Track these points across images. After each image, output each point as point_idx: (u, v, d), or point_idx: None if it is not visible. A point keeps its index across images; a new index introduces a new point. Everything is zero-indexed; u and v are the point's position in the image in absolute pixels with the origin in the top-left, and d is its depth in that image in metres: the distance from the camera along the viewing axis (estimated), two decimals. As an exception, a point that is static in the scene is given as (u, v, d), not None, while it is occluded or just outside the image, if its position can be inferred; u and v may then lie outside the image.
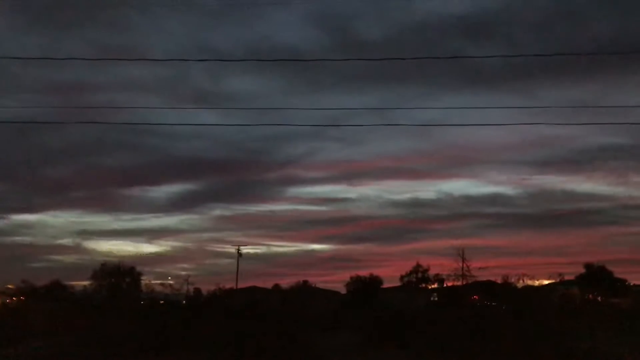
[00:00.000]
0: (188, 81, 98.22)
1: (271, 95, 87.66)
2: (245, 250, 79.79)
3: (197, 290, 52.59)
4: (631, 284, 74.50)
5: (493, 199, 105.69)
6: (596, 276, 68.86)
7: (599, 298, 61.41)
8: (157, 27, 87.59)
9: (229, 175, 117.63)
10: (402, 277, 70.88)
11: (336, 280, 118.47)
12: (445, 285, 62.22)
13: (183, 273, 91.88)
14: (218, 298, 46.66)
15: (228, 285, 61.85)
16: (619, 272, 73.68)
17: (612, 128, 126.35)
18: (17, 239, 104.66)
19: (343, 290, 72.18)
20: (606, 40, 69.51)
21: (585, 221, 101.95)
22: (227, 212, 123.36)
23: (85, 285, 54.67)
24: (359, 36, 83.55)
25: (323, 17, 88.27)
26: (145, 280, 54.55)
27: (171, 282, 43.40)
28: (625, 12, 71.59)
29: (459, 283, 55.32)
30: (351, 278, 69.60)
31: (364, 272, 71.57)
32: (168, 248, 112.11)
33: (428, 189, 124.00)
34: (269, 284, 75.61)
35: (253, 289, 69.34)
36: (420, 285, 68.76)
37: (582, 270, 70.73)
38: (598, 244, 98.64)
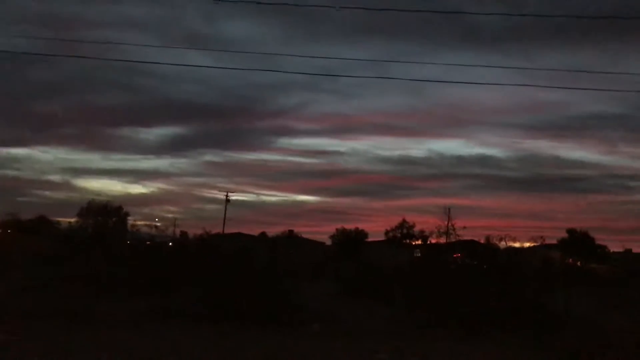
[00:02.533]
0: (183, 22, 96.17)
1: (267, 42, 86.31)
2: (233, 197, 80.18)
3: (184, 233, 53.01)
4: (611, 251, 76.06)
5: (483, 160, 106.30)
6: (578, 242, 70.03)
7: (579, 263, 62.63)
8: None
9: (221, 121, 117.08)
10: (386, 232, 71.88)
11: (322, 232, 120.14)
12: (428, 242, 63.02)
13: (170, 216, 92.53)
14: (205, 241, 46.99)
15: (214, 231, 62.33)
16: (600, 239, 75.19)
17: (607, 95, 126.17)
18: (5, 171, 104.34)
19: (329, 242, 73.17)
20: (610, 5, 68.38)
21: (572, 187, 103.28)
22: (217, 158, 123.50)
23: (70, 222, 54.84)
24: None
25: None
26: (131, 220, 54.74)
27: (158, 223, 43.55)
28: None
29: (442, 241, 55.97)
30: (337, 230, 70.43)
31: (350, 225, 72.43)
32: (156, 190, 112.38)
33: (419, 147, 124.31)
34: (255, 232, 76.38)
35: (239, 236, 70.05)
36: (404, 241, 69.75)
37: (565, 235, 71.98)
38: (582, 210, 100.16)
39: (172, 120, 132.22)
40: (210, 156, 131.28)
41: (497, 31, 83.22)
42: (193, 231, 54.49)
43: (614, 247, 78.00)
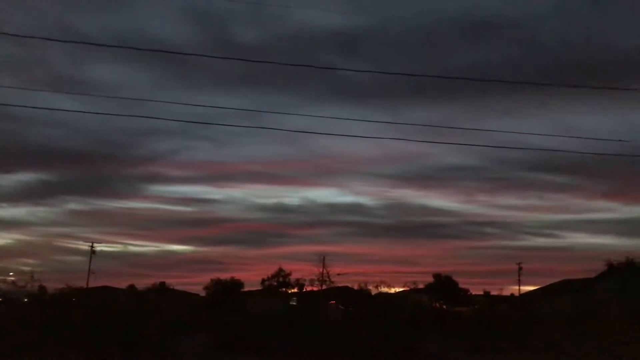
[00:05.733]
0: (49, 64, 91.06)
1: (139, 87, 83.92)
2: (99, 248, 75.42)
3: (42, 288, 48.71)
4: (472, 294, 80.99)
5: (355, 208, 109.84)
6: (443, 286, 73.90)
7: (444, 306, 65.83)
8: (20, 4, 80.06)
9: (87, 168, 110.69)
10: (263, 281, 71.03)
11: (196, 283, 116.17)
12: (304, 289, 63.23)
13: (27, 269, 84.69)
14: (65, 296, 43.44)
15: (78, 284, 57.84)
16: (463, 282, 79.94)
17: (465, 149, 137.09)
18: None
19: (202, 293, 70.65)
20: (467, 67, 75.20)
21: (436, 234, 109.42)
22: (82, 207, 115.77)
23: None
24: (233, 38, 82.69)
25: (198, 15, 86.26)
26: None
27: (13, 278, 39.49)
28: (484, 43, 77.99)
29: (318, 288, 56.45)
30: (211, 280, 68.31)
31: (225, 275, 70.66)
32: (12, 241, 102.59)
33: (293, 195, 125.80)
34: (123, 285, 71.87)
35: (106, 289, 65.61)
36: (280, 290, 69.28)
37: (432, 279, 75.71)
38: (446, 256, 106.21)
39: (32, 165, 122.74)
40: (74, 204, 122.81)
41: (367, 87, 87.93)
42: (53, 285, 50.29)
43: (475, 290, 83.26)
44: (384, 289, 41.87)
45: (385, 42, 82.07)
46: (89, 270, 72.55)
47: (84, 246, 76.14)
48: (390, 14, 70.76)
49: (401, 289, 47.24)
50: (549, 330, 30.21)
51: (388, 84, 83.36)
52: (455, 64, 75.94)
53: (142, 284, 76.22)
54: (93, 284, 68.21)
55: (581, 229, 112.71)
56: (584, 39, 72.86)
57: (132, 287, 70.16)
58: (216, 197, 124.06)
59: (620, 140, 17.55)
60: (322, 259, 55.21)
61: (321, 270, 54.62)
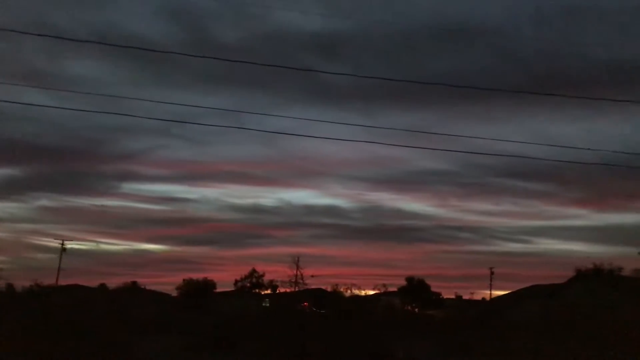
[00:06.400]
0: (23, 58, 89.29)
1: (116, 84, 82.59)
2: (70, 245, 74.17)
3: (10, 286, 47.85)
4: (444, 298, 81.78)
5: (330, 210, 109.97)
6: (416, 289, 74.37)
7: (417, 309, 66.34)
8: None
9: (60, 164, 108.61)
10: (236, 282, 70.62)
11: (169, 282, 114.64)
12: (278, 291, 63.02)
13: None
14: (34, 294, 42.78)
15: (47, 282, 56.89)
16: (435, 286, 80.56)
17: (440, 154, 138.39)
18: None
19: (175, 293, 69.95)
20: (444, 73, 75.92)
21: (410, 237, 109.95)
22: (53, 204, 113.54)
23: None
24: (213, 37, 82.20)
25: (178, 13, 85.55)
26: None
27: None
28: (462, 50, 78.91)
29: (291, 289, 56.32)
30: (184, 280, 67.66)
31: (198, 275, 70.04)
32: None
33: (270, 196, 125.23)
34: (94, 283, 70.80)
35: (76, 288, 64.52)
36: (253, 291, 68.96)
37: (404, 282, 76.13)
38: (419, 259, 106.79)
39: (3, 160, 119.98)
40: (46, 201, 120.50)
41: (345, 90, 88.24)
42: (22, 283, 49.31)
43: (447, 294, 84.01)
44: (356, 292, 42.01)
45: (365, 46, 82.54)
46: (59, 268, 71.38)
47: (55, 243, 74.90)
48: (370, 18, 71.15)
49: (372, 292, 47.44)
50: (518, 334, 30.63)
51: (366, 87, 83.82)
52: (433, 69, 76.75)
53: (113, 282, 74.94)
54: (63, 282, 67.11)
55: (552, 235, 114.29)
56: (559, 49, 74.30)
57: (103, 285, 69.17)
58: (191, 196, 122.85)
59: (589, 148, 17.84)
60: (297, 261, 55.07)
61: (295, 272, 54.51)
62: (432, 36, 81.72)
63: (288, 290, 58.03)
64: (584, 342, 27.79)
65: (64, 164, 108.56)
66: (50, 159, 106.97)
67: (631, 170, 23.00)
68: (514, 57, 75.63)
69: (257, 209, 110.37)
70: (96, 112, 35.31)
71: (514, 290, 64.48)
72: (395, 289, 72.24)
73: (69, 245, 73.85)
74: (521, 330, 31.67)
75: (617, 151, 19.26)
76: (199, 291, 64.30)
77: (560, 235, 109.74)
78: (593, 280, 43.18)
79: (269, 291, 67.47)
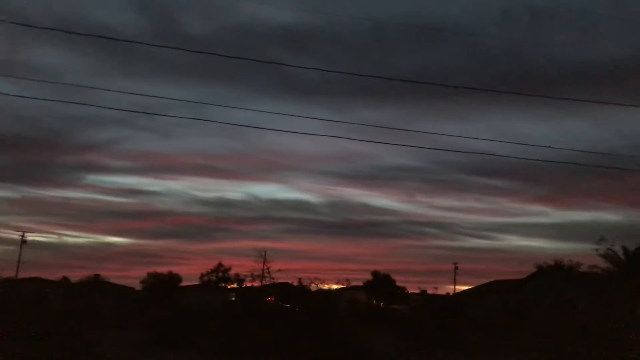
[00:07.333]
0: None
1: (80, 73, 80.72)
2: (30, 237, 72.60)
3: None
4: (409, 292, 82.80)
5: (297, 205, 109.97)
6: (381, 284, 75.13)
7: (381, 304, 66.99)
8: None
9: (21, 154, 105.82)
10: (202, 276, 70.14)
11: (133, 276, 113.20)
12: (244, 285, 62.80)
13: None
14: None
15: (6, 275, 55.54)
16: (400, 280, 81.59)
17: (407, 150, 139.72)
18: None
19: (139, 287, 69.10)
20: (413, 70, 76.56)
21: (376, 232, 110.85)
22: (12, 194, 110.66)
23: None
24: (179, 28, 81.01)
25: (144, 3, 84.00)
26: None
27: None
28: (430, 47, 79.59)
29: (257, 284, 56.17)
30: (148, 274, 66.87)
31: (163, 269, 69.31)
32: None
33: (236, 190, 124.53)
34: (56, 276, 69.39)
35: (37, 280, 63.14)
36: (219, 285, 68.58)
37: (370, 277, 76.86)
38: (385, 254, 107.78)
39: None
40: (4, 191, 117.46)
41: (313, 84, 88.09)
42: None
43: (412, 289, 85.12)
44: (320, 286, 42.17)
45: (333, 40, 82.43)
46: (19, 260, 69.76)
47: (15, 235, 73.23)
48: (339, 13, 71.16)
49: (336, 286, 47.68)
50: (478, 328, 31.18)
51: (334, 82, 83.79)
52: (401, 65, 77.16)
53: (75, 276, 73.80)
54: (23, 274, 65.61)
55: (515, 231, 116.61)
56: (527, 48, 75.63)
57: (65, 279, 67.90)
58: (156, 189, 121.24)
59: (550, 146, 18.20)
60: (264, 255, 54.95)
61: (262, 266, 54.38)
62: (401, 32, 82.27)
63: (255, 284, 57.93)
64: (542, 337, 28.42)
65: (26, 154, 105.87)
66: (11, 149, 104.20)
67: (592, 169, 23.61)
68: (483, 55, 76.63)
69: (224, 203, 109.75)
70: (59, 101, 34.52)
71: (476, 285, 65.73)
72: (360, 284, 72.84)
73: (30, 237, 72.40)
74: (482, 325, 32.27)
75: (579, 150, 19.81)
76: (163, 285, 63.67)
77: (522, 231, 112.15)
78: (553, 275, 44.20)
79: (235, 285, 67.22)
